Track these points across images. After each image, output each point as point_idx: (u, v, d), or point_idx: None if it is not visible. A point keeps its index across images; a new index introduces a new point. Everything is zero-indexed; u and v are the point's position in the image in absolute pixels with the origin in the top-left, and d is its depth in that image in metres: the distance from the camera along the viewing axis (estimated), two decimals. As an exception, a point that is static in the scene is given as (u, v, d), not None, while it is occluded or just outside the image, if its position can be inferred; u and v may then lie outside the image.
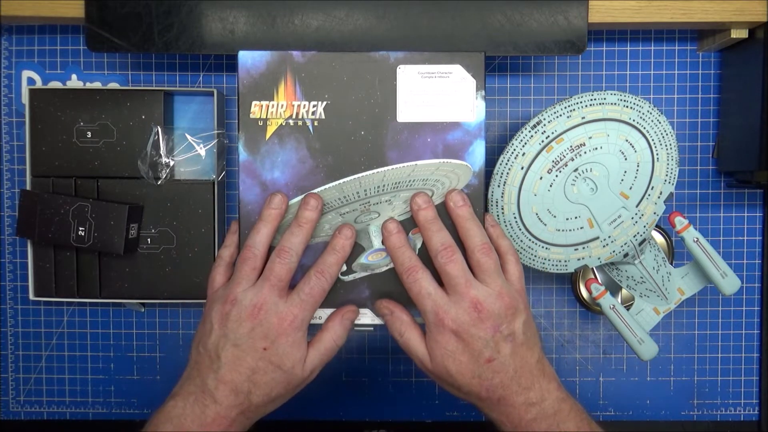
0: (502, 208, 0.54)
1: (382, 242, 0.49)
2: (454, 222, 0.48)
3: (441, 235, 0.47)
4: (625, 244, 0.55)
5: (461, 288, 0.45)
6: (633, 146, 0.53)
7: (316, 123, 0.49)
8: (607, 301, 0.56)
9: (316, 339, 0.48)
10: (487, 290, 0.45)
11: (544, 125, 0.51)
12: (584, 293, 0.63)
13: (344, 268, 0.50)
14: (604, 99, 0.52)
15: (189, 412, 0.44)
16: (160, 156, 0.60)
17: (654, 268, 0.56)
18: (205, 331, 0.46)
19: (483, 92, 0.49)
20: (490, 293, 0.45)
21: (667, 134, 0.53)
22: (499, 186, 0.53)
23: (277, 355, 0.45)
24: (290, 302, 0.46)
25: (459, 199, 0.48)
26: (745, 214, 0.65)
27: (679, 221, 0.55)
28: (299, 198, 0.48)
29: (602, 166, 0.53)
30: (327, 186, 0.49)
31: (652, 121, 0.53)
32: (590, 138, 0.52)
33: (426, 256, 0.47)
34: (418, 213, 0.48)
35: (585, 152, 0.52)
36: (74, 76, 0.64)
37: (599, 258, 0.56)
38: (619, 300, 0.62)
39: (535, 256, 0.55)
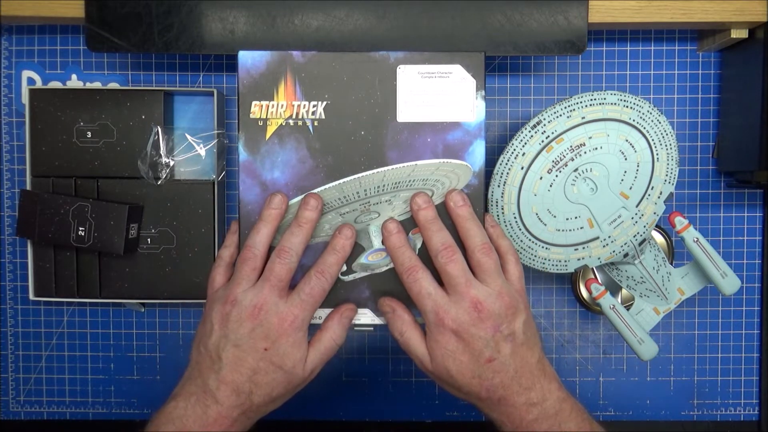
0: (502, 208, 0.54)
1: (382, 242, 0.49)
2: (454, 222, 0.48)
3: (441, 235, 0.47)
4: (625, 244, 0.55)
5: (461, 288, 0.45)
6: (633, 146, 0.53)
7: (316, 123, 0.49)
8: (607, 301, 0.56)
9: (315, 339, 0.48)
10: (487, 290, 0.45)
11: (544, 125, 0.51)
12: (584, 293, 0.63)
13: (344, 268, 0.50)
14: (604, 99, 0.52)
15: (191, 413, 0.44)
16: (160, 156, 0.60)
17: (654, 268, 0.56)
18: (206, 332, 0.46)
19: (483, 92, 0.49)
20: (491, 293, 0.45)
21: (667, 134, 0.53)
22: (499, 186, 0.53)
23: (278, 355, 0.45)
24: (290, 302, 0.46)
25: (459, 199, 0.48)
26: (745, 214, 0.65)
27: (679, 221, 0.55)
28: (299, 198, 0.48)
29: (602, 166, 0.53)
30: (327, 186, 0.49)
31: (652, 121, 0.53)
32: (590, 138, 0.52)
33: (426, 256, 0.47)
34: (418, 213, 0.48)
35: (585, 152, 0.52)
36: (74, 76, 0.64)
37: (599, 258, 0.56)
38: (619, 300, 0.62)
39: (535, 256, 0.55)
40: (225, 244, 0.51)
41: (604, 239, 0.55)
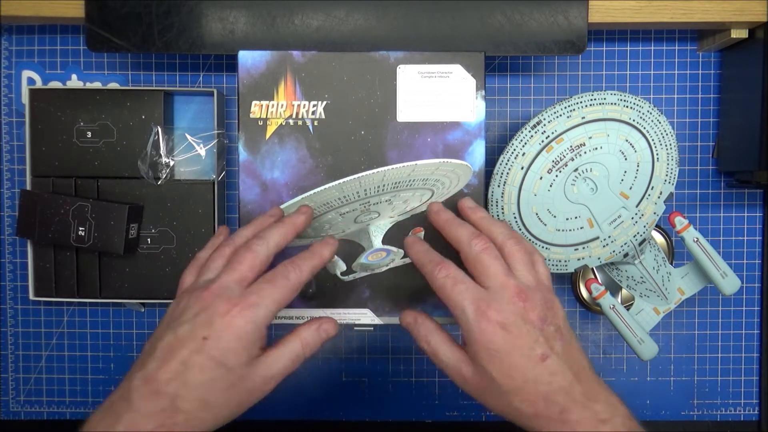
0: (502, 208, 0.54)
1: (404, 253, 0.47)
2: (475, 225, 0.44)
3: (467, 227, 0.42)
4: (625, 244, 0.55)
5: (501, 277, 0.39)
6: (633, 146, 0.53)
7: (316, 123, 0.49)
8: (607, 301, 0.56)
9: (280, 342, 0.40)
10: (525, 280, 0.40)
11: (544, 125, 0.51)
12: (584, 293, 0.63)
13: (344, 267, 0.50)
14: (604, 99, 0.52)
15: (97, 427, 0.35)
16: (160, 156, 0.60)
17: (654, 268, 0.56)
18: (156, 329, 0.40)
19: (483, 92, 0.49)
20: (530, 283, 0.40)
21: (667, 134, 0.53)
22: (499, 186, 0.53)
23: (218, 348, 0.36)
24: (249, 290, 0.38)
25: (472, 203, 0.46)
26: (745, 214, 0.65)
27: (679, 221, 0.55)
28: (296, 199, 0.48)
29: (602, 166, 0.53)
30: (327, 186, 0.49)
31: (652, 121, 0.53)
32: (590, 138, 0.52)
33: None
34: (438, 215, 0.45)
35: (585, 152, 0.52)
36: (74, 76, 0.64)
37: (599, 258, 0.56)
38: (619, 300, 0.62)
39: (535, 256, 0.55)
40: (206, 246, 0.45)
41: (604, 239, 0.55)
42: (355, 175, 0.49)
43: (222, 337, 0.36)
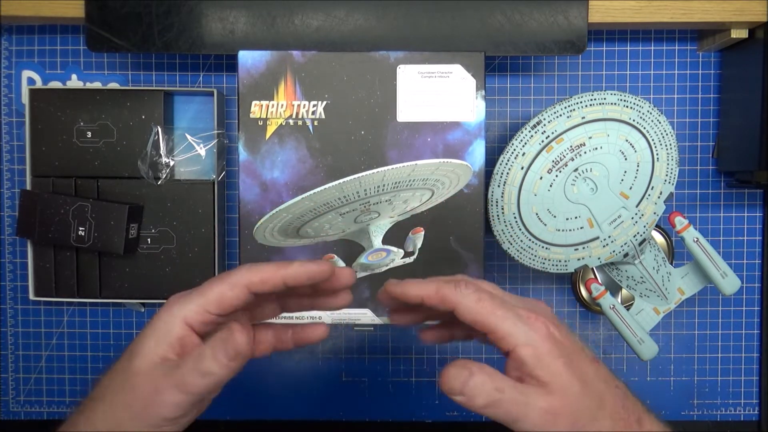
0: (502, 208, 0.54)
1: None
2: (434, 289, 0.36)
3: (440, 278, 0.36)
4: (625, 244, 0.55)
5: (510, 297, 0.36)
6: (633, 146, 0.53)
7: (316, 123, 0.49)
8: (607, 301, 0.56)
9: (190, 355, 0.33)
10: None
11: (544, 125, 0.51)
12: (584, 293, 0.63)
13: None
14: (604, 99, 0.52)
15: None
16: (160, 156, 0.60)
17: (654, 268, 0.56)
18: None
19: (483, 92, 0.49)
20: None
21: (667, 134, 0.53)
22: (499, 186, 0.53)
23: (138, 337, 0.35)
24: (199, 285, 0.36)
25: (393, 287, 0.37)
26: (745, 214, 0.65)
27: (679, 221, 0.55)
28: (296, 199, 0.48)
29: (602, 166, 0.53)
30: (327, 186, 0.49)
31: (652, 121, 0.53)
32: (590, 138, 0.52)
33: (425, 258, 0.47)
34: (405, 291, 0.36)
35: (585, 152, 0.52)
36: (74, 76, 0.64)
37: (599, 258, 0.56)
38: (619, 300, 0.62)
39: (535, 256, 0.55)
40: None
41: (604, 239, 0.55)
42: (355, 175, 0.49)
43: (146, 326, 0.35)
